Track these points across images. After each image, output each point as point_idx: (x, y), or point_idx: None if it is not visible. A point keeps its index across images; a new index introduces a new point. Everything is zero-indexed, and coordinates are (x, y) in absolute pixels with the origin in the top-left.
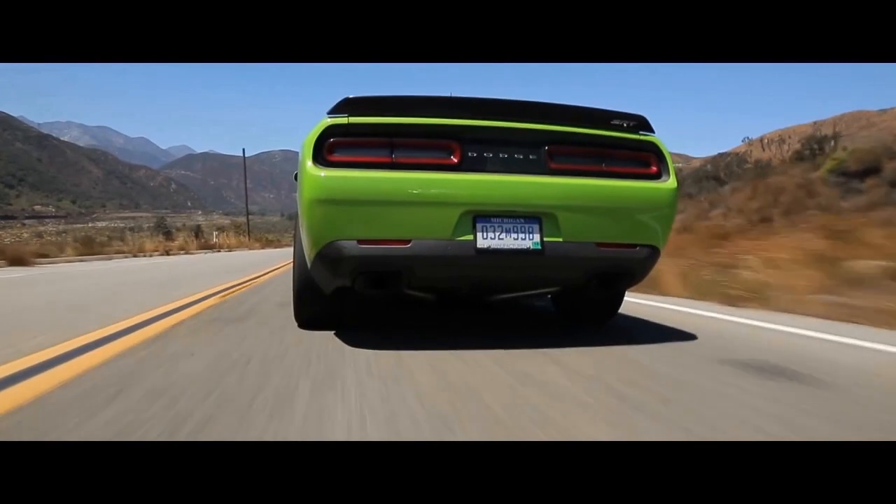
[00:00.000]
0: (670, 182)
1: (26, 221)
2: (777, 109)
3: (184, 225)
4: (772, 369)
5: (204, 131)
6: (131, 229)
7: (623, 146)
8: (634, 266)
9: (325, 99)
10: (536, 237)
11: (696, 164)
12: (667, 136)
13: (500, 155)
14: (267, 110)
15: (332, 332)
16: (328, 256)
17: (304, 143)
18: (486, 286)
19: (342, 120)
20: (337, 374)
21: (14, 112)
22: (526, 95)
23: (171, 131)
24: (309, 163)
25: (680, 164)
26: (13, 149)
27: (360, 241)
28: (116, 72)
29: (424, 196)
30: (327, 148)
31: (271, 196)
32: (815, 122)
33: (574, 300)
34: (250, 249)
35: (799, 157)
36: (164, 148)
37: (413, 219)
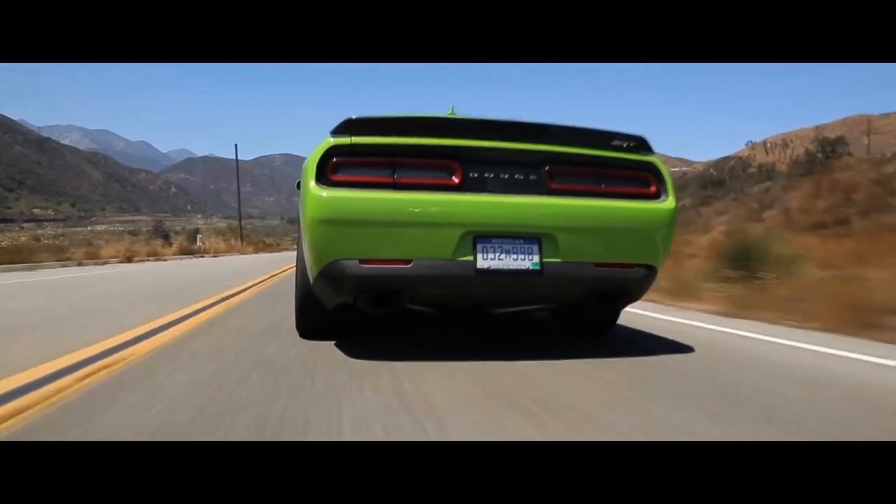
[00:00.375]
0: (669, 202)
1: (25, 225)
2: (777, 113)
3: (183, 229)
4: None
5: (204, 135)
6: (130, 233)
7: (623, 166)
8: (632, 285)
9: (326, 100)
10: (536, 258)
11: (699, 168)
12: (667, 140)
13: (501, 175)
14: (267, 114)
15: None
16: (330, 275)
17: (306, 163)
18: (485, 303)
19: (345, 140)
20: None
21: (14, 115)
22: (525, 95)
23: (171, 135)
24: (312, 182)
25: (685, 168)
26: (13, 152)
27: (362, 261)
28: (116, 75)
29: (426, 217)
30: (330, 168)
31: (272, 200)
32: (817, 126)
33: (573, 314)
34: (241, 254)
35: (811, 159)
36: (164, 151)
37: (414, 239)
